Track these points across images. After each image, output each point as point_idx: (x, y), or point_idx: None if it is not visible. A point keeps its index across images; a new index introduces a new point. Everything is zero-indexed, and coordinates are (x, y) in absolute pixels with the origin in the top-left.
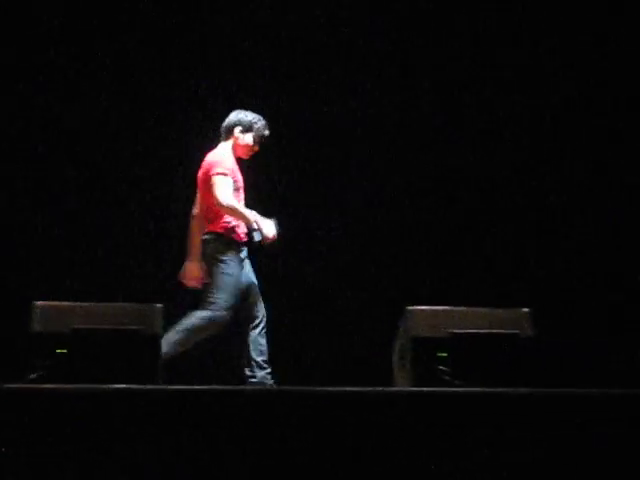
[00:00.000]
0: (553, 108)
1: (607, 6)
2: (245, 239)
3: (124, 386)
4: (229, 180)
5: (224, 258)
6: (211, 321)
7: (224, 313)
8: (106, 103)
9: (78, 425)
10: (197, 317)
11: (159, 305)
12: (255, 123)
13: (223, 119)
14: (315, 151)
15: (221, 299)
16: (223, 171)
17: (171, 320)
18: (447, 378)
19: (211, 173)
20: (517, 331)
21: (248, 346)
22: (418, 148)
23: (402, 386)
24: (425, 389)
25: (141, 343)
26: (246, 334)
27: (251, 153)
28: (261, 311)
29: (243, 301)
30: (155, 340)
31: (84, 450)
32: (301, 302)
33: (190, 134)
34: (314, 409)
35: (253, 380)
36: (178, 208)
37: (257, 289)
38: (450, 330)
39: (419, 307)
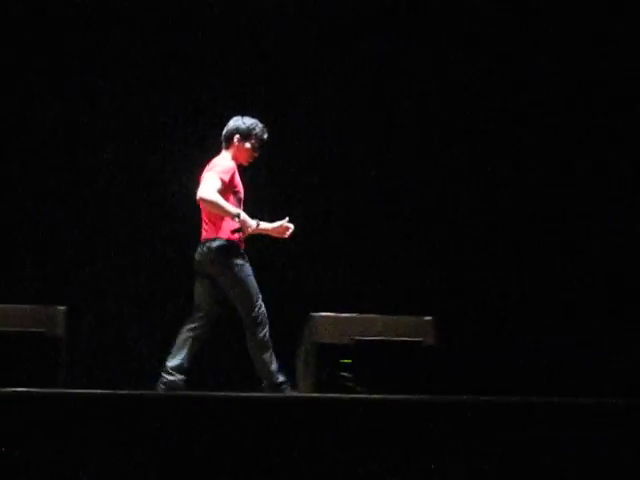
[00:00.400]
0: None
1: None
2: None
3: (25, 389)
4: (218, 180)
5: (237, 262)
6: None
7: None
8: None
9: None
10: (257, 339)
11: (62, 307)
12: (253, 129)
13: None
14: None
15: (253, 307)
16: (216, 171)
17: (74, 322)
18: (350, 384)
19: (204, 172)
20: (420, 339)
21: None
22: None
23: (305, 392)
24: (328, 395)
25: (43, 346)
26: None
27: (251, 159)
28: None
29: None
30: (57, 342)
31: None
32: None
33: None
34: (216, 414)
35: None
36: (82, 209)
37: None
38: (354, 337)
39: (323, 313)
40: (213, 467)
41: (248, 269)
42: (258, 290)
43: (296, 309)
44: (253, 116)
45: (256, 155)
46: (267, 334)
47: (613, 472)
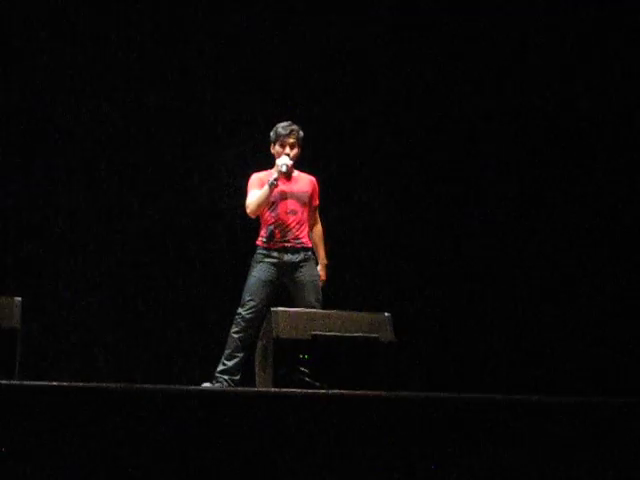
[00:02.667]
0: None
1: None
2: (273, 246)
3: None
4: (250, 191)
5: (252, 264)
6: None
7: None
8: None
9: None
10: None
11: (18, 298)
12: (274, 131)
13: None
14: None
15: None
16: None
17: (29, 313)
18: (308, 380)
19: None
20: (377, 335)
21: None
22: None
23: (263, 387)
24: (286, 390)
25: None
26: None
27: (287, 156)
28: None
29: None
30: (13, 334)
31: None
32: (163, 301)
33: None
34: (173, 408)
35: None
36: (38, 202)
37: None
38: (312, 332)
39: (282, 308)
40: (165, 461)
41: (257, 271)
42: (253, 294)
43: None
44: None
45: (288, 152)
46: (237, 337)
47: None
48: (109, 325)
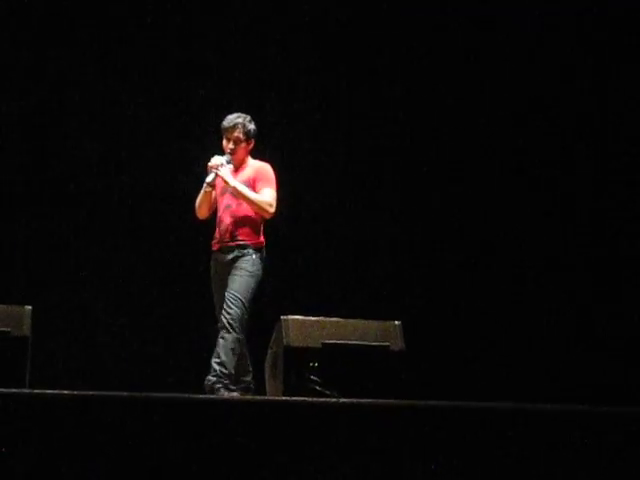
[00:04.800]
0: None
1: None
2: (214, 247)
3: None
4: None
5: None
6: None
7: None
8: None
9: None
10: None
11: (28, 307)
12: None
13: None
14: None
15: None
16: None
17: (40, 322)
18: (318, 388)
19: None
20: (388, 343)
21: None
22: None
23: (273, 395)
24: (296, 398)
25: (9, 345)
26: None
27: (228, 151)
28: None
29: None
30: (24, 342)
31: None
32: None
33: None
34: (183, 417)
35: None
36: (46, 209)
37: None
38: (322, 340)
39: (292, 317)
40: (176, 469)
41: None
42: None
43: (267, 312)
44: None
45: (231, 147)
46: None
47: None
48: (120, 332)
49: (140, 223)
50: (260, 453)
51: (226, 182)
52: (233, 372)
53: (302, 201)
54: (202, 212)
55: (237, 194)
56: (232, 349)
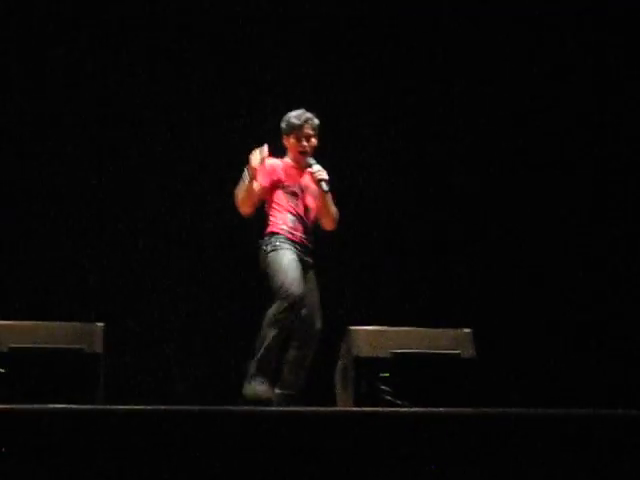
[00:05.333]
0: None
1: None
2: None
3: (64, 406)
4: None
5: None
6: None
7: None
8: None
9: (19, 445)
10: None
11: (100, 324)
12: (287, 122)
13: None
14: None
15: None
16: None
17: (112, 339)
18: (389, 398)
19: None
20: (459, 351)
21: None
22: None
23: (344, 406)
24: (367, 409)
25: (82, 362)
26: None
27: (302, 150)
28: None
29: None
30: (96, 359)
31: (26, 471)
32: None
33: None
34: (254, 429)
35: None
36: (119, 224)
37: None
38: (392, 350)
39: (361, 327)
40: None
41: (282, 253)
42: (291, 272)
43: (334, 323)
44: None
45: (306, 144)
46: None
47: None
48: (191, 348)
49: (209, 239)
50: (333, 464)
51: (325, 189)
52: None
53: (362, 208)
54: (248, 207)
55: (326, 203)
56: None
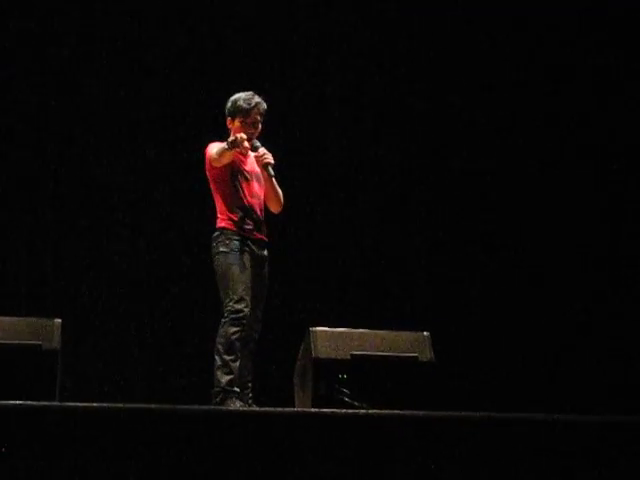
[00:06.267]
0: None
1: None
2: (248, 233)
3: (20, 402)
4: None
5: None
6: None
7: None
8: None
9: None
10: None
11: (58, 319)
12: (233, 104)
13: None
14: None
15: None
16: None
17: (70, 335)
18: (347, 400)
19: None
20: (417, 354)
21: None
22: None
23: (302, 407)
24: (325, 410)
25: (39, 358)
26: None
27: (253, 133)
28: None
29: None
30: (54, 355)
31: None
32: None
33: None
34: (208, 428)
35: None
36: (77, 218)
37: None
38: (351, 352)
39: (321, 328)
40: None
41: (233, 258)
42: (239, 286)
43: (294, 324)
44: None
45: (253, 131)
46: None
47: None
48: (148, 344)
49: (172, 235)
50: (290, 465)
51: (271, 173)
52: None
53: (328, 212)
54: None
55: (272, 187)
56: None
